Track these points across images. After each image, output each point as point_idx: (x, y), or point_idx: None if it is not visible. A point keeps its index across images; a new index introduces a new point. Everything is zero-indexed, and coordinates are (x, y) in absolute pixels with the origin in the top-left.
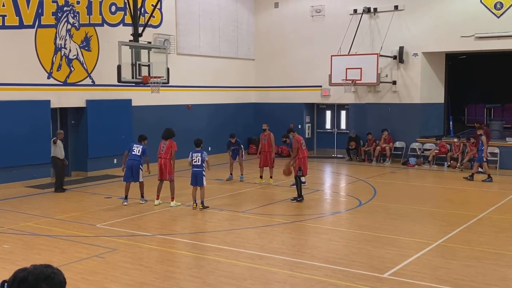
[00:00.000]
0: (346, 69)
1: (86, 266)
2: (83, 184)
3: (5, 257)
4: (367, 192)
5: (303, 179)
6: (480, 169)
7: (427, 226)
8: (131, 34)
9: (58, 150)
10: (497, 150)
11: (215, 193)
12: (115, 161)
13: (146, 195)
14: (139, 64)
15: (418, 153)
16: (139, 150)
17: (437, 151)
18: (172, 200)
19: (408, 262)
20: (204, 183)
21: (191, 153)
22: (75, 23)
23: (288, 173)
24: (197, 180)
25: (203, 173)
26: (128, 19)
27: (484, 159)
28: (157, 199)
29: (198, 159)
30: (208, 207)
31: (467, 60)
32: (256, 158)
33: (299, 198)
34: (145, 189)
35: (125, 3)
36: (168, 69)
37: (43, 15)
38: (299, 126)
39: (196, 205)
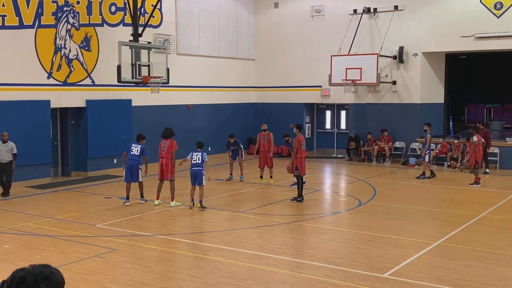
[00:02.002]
0: (346, 69)
1: (86, 266)
2: (83, 184)
3: (5, 257)
4: (367, 192)
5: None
6: (428, 166)
7: (427, 226)
8: (131, 34)
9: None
10: (497, 150)
11: (215, 193)
12: (115, 161)
13: (146, 195)
14: (139, 64)
15: (418, 153)
16: (137, 149)
17: (438, 151)
18: (172, 200)
19: (408, 262)
20: (204, 182)
21: (191, 152)
22: (75, 23)
23: (291, 171)
24: (196, 179)
25: (203, 172)
26: (128, 19)
27: (426, 158)
28: (157, 199)
29: (198, 157)
30: (206, 208)
31: (467, 60)
32: (255, 158)
33: (299, 198)
34: (145, 189)
35: (125, 3)
36: (168, 69)
37: (43, 15)
38: None
39: (194, 205)
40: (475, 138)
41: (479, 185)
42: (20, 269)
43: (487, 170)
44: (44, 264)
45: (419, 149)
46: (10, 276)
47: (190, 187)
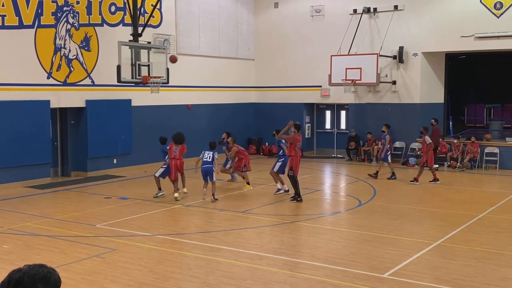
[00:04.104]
0: (346, 69)
1: (86, 266)
2: (83, 184)
3: (5, 257)
4: (367, 192)
5: (286, 187)
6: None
7: (427, 226)
8: (130, 34)
9: None
10: (497, 150)
11: (216, 193)
12: (115, 161)
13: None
14: (139, 64)
15: (418, 153)
16: (210, 156)
17: (438, 151)
18: (184, 187)
19: (408, 262)
20: (214, 178)
21: (203, 151)
22: (75, 23)
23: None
24: (207, 176)
25: (213, 169)
26: (127, 19)
27: (388, 158)
28: (176, 192)
29: (209, 156)
30: (217, 199)
31: (467, 60)
32: (255, 159)
33: (299, 198)
34: (160, 185)
35: (124, 3)
36: (167, 69)
37: (42, 15)
38: None
39: (214, 198)
40: (428, 139)
41: (439, 182)
42: (16, 270)
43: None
44: (40, 264)
45: (419, 149)
46: (6, 277)
47: (203, 184)
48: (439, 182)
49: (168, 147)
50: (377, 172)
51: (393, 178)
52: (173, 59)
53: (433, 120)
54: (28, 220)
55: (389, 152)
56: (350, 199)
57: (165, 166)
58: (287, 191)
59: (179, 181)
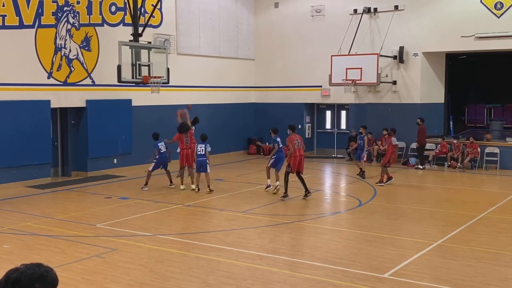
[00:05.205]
0: (346, 69)
1: (86, 266)
2: (83, 184)
3: (5, 257)
4: (367, 192)
5: (269, 182)
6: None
7: (427, 226)
8: (131, 34)
9: None
10: (497, 150)
11: (216, 193)
12: (115, 161)
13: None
14: (139, 64)
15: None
16: (202, 149)
17: (438, 151)
18: (192, 184)
19: (408, 262)
20: (208, 170)
21: (197, 144)
22: (75, 23)
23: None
24: (201, 167)
25: (207, 161)
26: (128, 19)
27: (365, 157)
28: (182, 184)
29: (202, 149)
30: (213, 190)
31: (467, 60)
32: (258, 158)
33: (284, 193)
34: (167, 177)
35: (125, 3)
36: (168, 69)
37: (43, 15)
38: (299, 126)
39: (199, 190)
40: (395, 140)
41: (389, 182)
42: (13, 270)
43: (420, 166)
44: (37, 263)
45: (351, 149)
46: (4, 277)
47: (197, 174)
48: (389, 182)
49: (174, 139)
50: (362, 170)
51: (361, 175)
52: (182, 115)
53: (419, 120)
54: (29, 220)
55: (367, 152)
56: (350, 199)
57: (155, 161)
58: (276, 187)
59: (182, 175)
